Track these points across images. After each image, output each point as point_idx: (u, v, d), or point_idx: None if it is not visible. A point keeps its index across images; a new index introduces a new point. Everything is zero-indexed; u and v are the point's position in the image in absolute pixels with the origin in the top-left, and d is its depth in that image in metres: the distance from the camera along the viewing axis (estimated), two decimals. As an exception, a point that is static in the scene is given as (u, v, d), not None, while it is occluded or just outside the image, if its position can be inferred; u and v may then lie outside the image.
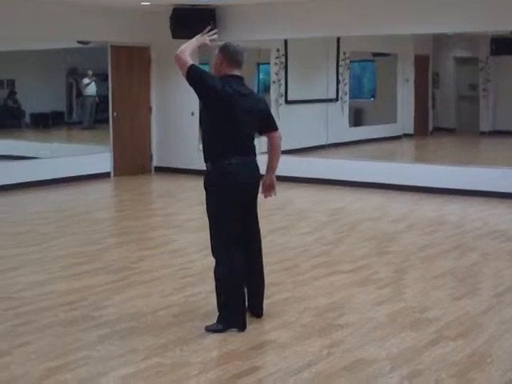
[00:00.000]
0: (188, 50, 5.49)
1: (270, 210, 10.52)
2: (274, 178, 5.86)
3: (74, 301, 6.27)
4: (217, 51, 5.58)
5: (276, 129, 5.78)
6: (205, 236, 8.44)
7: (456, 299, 6.34)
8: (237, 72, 5.57)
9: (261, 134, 5.77)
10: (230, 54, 5.53)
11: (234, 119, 5.47)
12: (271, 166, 5.81)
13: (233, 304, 5.50)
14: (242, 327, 5.48)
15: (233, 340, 5.33)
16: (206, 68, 14.22)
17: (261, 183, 5.77)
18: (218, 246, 5.55)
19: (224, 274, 5.50)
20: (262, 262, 5.83)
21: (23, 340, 5.34)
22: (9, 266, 7.54)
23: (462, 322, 5.75)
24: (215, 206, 5.51)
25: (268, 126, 5.75)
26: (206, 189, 5.57)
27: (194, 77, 5.43)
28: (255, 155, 5.66)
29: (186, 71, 5.40)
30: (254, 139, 5.68)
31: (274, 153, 5.80)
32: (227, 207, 5.48)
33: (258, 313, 5.77)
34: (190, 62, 5.42)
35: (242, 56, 5.59)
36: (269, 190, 5.87)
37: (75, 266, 7.46)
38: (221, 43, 5.63)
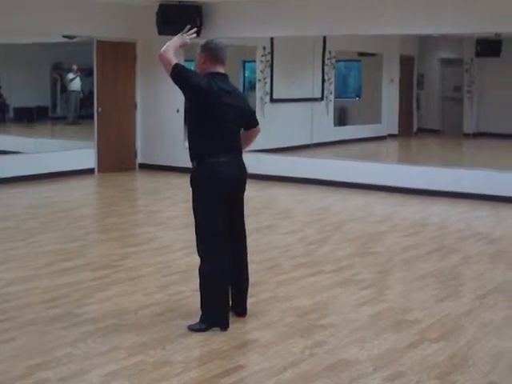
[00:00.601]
0: (171, 48, 5.50)
1: (254, 208, 10.53)
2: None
3: (57, 297, 6.26)
4: (199, 49, 5.58)
5: (257, 124, 5.87)
6: (189, 234, 8.44)
7: (438, 301, 6.37)
8: (220, 69, 5.57)
9: (244, 129, 5.82)
10: (211, 52, 5.53)
11: (220, 117, 5.48)
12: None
13: (216, 303, 5.51)
14: (224, 327, 5.49)
15: (215, 339, 5.33)
16: (191, 66, 14.22)
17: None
18: (204, 244, 5.54)
19: (208, 273, 5.50)
20: (247, 261, 5.84)
21: (5, 337, 5.32)
22: (-9, 261, 7.52)
23: (443, 323, 5.79)
24: (202, 205, 5.50)
25: (251, 123, 5.82)
26: (192, 187, 5.57)
27: (179, 75, 5.44)
28: (241, 152, 5.68)
29: (171, 70, 5.42)
30: (239, 136, 5.71)
31: (248, 139, 5.88)
32: (214, 206, 5.47)
33: (241, 312, 5.78)
34: (174, 60, 5.43)
35: (224, 52, 5.59)
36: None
37: (59, 263, 7.44)
38: (202, 41, 5.63)
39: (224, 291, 5.57)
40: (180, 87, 5.49)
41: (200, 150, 5.53)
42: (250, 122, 5.80)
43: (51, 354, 5.01)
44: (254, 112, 6.02)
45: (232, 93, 5.60)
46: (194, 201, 5.56)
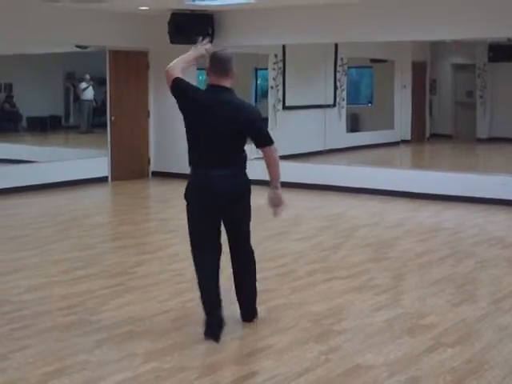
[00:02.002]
0: (179, 64, 5.49)
1: (266, 215, 10.51)
2: (277, 192, 5.64)
3: (72, 305, 6.27)
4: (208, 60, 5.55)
5: (267, 145, 5.47)
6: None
7: (454, 306, 6.34)
8: (224, 81, 5.41)
9: (256, 147, 5.52)
10: (213, 63, 5.42)
11: (208, 129, 5.37)
12: (270, 178, 5.61)
13: (204, 310, 5.56)
14: (209, 336, 5.43)
15: (230, 345, 5.34)
16: (202, 75, 14.26)
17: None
18: (191, 252, 5.59)
19: (197, 279, 5.60)
20: (252, 274, 5.83)
21: (21, 344, 5.34)
22: (7, 269, 7.54)
23: (459, 328, 5.76)
24: (187, 214, 5.52)
25: (259, 140, 5.48)
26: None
27: (177, 89, 5.45)
28: (237, 167, 5.48)
29: (170, 84, 5.44)
30: (235, 150, 5.47)
31: (267, 164, 5.55)
32: (195, 217, 5.48)
33: (250, 317, 5.83)
34: (176, 75, 5.43)
35: (226, 65, 5.42)
36: (272, 204, 5.69)
37: (73, 271, 7.46)
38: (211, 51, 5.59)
39: (205, 301, 5.54)
40: (176, 100, 5.49)
41: (189, 161, 5.50)
42: (257, 138, 5.48)
43: (67, 361, 5.02)
44: (262, 129, 5.57)
45: (227, 104, 5.38)
46: None
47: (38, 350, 5.22)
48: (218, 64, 5.41)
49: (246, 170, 5.57)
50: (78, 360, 5.03)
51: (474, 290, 6.88)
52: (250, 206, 5.67)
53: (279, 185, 5.62)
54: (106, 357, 5.12)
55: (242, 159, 5.51)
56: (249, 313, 5.85)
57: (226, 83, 5.43)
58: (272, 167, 5.54)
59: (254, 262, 5.81)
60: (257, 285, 5.87)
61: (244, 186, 5.57)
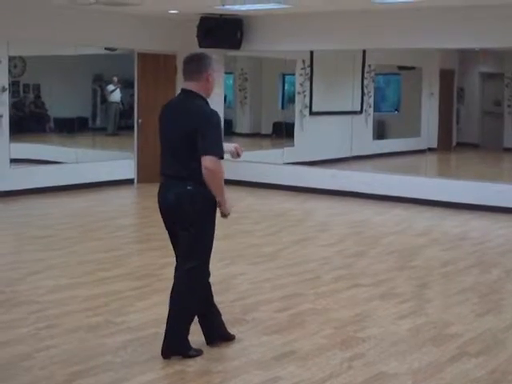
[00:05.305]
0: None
1: (291, 221, 10.55)
2: (223, 209, 5.11)
3: (98, 306, 6.31)
4: None
5: (204, 154, 4.89)
6: (226, 245, 8.50)
7: (478, 315, 6.32)
8: (189, 84, 5.10)
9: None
10: (182, 67, 5.19)
11: (161, 135, 5.23)
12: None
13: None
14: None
15: (254, 350, 5.34)
16: (230, 79, 14.27)
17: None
18: (202, 268, 5.29)
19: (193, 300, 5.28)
20: (173, 301, 5.21)
21: (46, 344, 5.38)
22: (32, 269, 7.59)
23: (484, 338, 5.74)
24: (205, 225, 5.20)
25: (199, 147, 4.92)
26: None
27: None
28: (186, 178, 5.02)
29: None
30: (186, 159, 5.01)
31: (205, 180, 4.97)
32: (213, 227, 5.24)
33: (163, 354, 5.17)
34: None
35: (190, 67, 5.11)
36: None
37: (98, 272, 7.50)
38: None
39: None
40: None
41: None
42: (199, 145, 4.92)
43: (92, 361, 5.05)
44: (206, 136, 4.91)
45: (178, 109, 5.14)
46: None
47: (63, 350, 5.26)
48: (183, 67, 5.15)
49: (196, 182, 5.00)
50: (103, 361, 5.06)
51: (500, 299, 6.85)
52: (193, 220, 5.09)
53: (222, 200, 5.07)
54: (130, 358, 5.14)
55: (193, 168, 4.96)
56: (165, 346, 5.15)
57: (192, 87, 5.09)
58: (207, 181, 4.95)
59: (183, 290, 5.15)
60: (180, 320, 5.18)
61: (181, 203, 5.04)
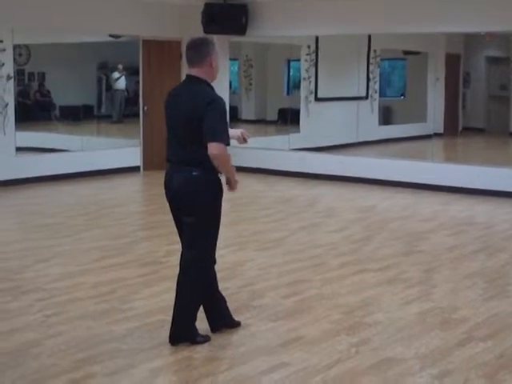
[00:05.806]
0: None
1: (298, 207, 10.54)
2: (232, 185, 5.18)
3: (104, 293, 6.32)
4: None
5: (209, 141, 4.88)
6: (233, 232, 8.50)
7: (485, 300, 6.31)
8: (193, 70, 5.10)
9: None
10: (185, 53, 5.17)
11: (167, 123, 5.25)
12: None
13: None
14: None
15: (261, 336, 5.35)
16: (235, 65, 14.21)
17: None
18: (206, 258, 5.29)
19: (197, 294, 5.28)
20: (181, 289, 5.20)
21: (54, 331, 5.39)
22: (40, 257, 7.60)
23: (491, 322, 5.73)
24: (211, 213, 5.22)
25: (204, 134, 4.92)
26: None
27: None
28: (192, 164, 5.03)
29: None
30: (192, 145, 5.02)
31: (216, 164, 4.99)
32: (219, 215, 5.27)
33: (172, 341, 5.18)
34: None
35: (190, 53, 5.10)
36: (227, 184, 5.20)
37: (106, 259, 7.51)
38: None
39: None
40: None
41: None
42: (204, 131, 4.92)
43: (98, 348, 5.06)
44: (210, 122, 4.90)
45: (182, 95, 5.13)
46: None
47: (70, 337, 5.27)
48: (186, 53, 5.14)
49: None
50: (110, 347, 5.07)
51: (507, 284, 6.84)
52: (198, 206, 5.10)
53: (233, 179, 5.15)
54: (137, 345, 5.15)
55: (199, 154, 4.97)
56: (172, 333, 5.17)
57: (196, 72, 5.08)
58: (221, 168, 5.02)
59: (189, 277, 5.15)
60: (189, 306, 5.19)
61: (187, 190, 5.07)
